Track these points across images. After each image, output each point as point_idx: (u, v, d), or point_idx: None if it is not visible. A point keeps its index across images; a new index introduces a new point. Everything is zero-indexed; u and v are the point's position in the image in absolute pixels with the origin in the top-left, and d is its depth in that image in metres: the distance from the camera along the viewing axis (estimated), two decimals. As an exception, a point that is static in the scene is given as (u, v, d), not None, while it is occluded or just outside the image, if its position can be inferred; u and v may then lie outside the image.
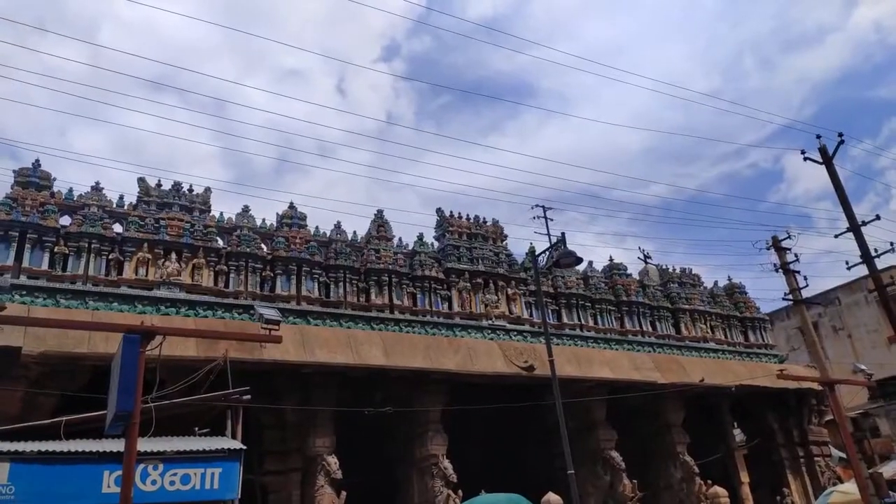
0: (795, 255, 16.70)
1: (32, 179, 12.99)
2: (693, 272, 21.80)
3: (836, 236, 15.18)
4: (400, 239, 16.75)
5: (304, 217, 15.54)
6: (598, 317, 18.55)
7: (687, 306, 20.31)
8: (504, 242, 18.12)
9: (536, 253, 14.54)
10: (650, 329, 19.27)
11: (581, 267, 18.49)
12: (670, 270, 21.48)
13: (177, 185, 14.36)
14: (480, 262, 17.05)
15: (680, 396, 17.20)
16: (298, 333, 12.73)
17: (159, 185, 14.20)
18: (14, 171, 13.06)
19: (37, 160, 13.27)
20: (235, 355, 10.97)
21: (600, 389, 16.08)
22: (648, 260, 21.81)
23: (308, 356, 12.39)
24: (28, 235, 12.22)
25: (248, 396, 9.82)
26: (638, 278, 20.63)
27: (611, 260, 20.49)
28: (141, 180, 14.04)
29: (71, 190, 13.46)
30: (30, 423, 9.22)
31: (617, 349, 17.86)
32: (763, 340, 21.46)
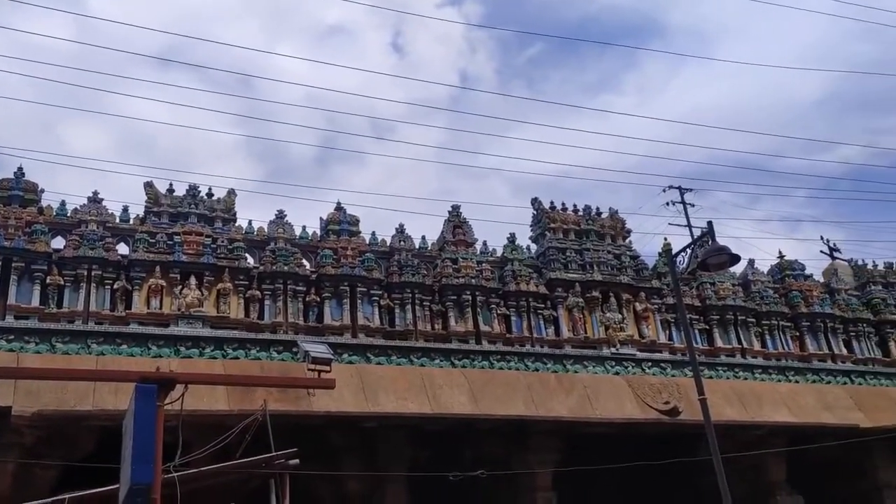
0: None
1: (15, 193, 13.82)
2: (904, 267, 20.84)
3: None
4: (485, 243, 16.77)
5: (356, 221, 15.82)
6: (767, 337, 17.95)
7: (898, 316, 19.32)
8: (627, 240, 17.81)
9: (674, 252, 14.17)
10: (844, 351, 18.52)
11: (738, 268, 17.96)
12: (869, 267, 20.67)
13: (193, 190, 14.92)
14: (596, 268, 16.81)
15: (895, 445, 16.34)
16: (356, 375, 12.90)
17: (171, 190, 14.80)
18: (-9, 184, 13.81)
19: (20, 168, 14.14)
20: (277, 407, 11.16)
21: (777, 439, 15.50)
22: (837, 254, 21.01)
23: (370, 405, 12.52)
24: (13, 264, 12.98)
25: (297, 460, 9.97)
26: (823, 280, 19.86)
27: (781, 256, 19.85)
28: (149, 185, 14.67)
29: (63, 204, 14.26)
30: None
31: (797, 381, 17.23)
32: None
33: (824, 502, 16.51)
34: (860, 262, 20.81)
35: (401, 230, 16.22)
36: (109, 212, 14.33)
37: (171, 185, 14.86)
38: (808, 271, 19.73)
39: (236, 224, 14.97)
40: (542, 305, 16.10)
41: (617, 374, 15.58)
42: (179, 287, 13.62)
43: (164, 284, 13.57)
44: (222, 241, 14.31)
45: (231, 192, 15.21)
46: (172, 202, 14.60)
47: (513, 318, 15.78)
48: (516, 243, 16.98)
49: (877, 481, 16.63)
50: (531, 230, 17.64)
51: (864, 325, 19.08)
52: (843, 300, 19.25)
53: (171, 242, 13.94)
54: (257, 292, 14.18)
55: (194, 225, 14.34)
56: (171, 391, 6.67)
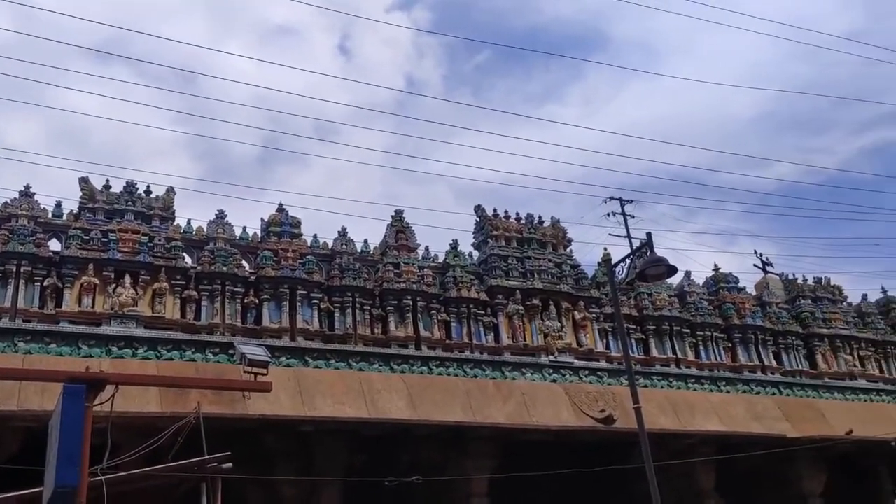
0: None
1: (-58, 185, 13.40)
2: (832, 283, 21.43)
3: None
4: (427, 249, 16.80)
5: (297, 223, 15.73)
6: (701, 347, 18.29)
7: (825, 330, 19.90)
8: (568, 249, 18.01)
9: (613, 262, 14.40)
10: (773, 363, 18.95)
11: (675, 280, 18.28)
12: (800, 282, 21.16)
13: (130, 186, 14.67)
14: (537, 276, 16.97)
15: (819, 456, 16.81)
16: (294, 379, 12.80)
17: (108, 186, 14.53)
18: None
19: (-54, 160, 13.72)
20: (211, 409, 11.02)
21: (707, 448, 15.82)
22: (769, 268, 21.52)
23: (307, 409, 12.44)
24: (-61, 258, 12.58)
25: (230, 464, 9.84)
26: (755, 293, 20.30)
27: (716, 269, 20.24)
28: (84, 181, 14.38)
29: (-8, 197, 13.87)
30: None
31: (728, 391, 17.57)
32: (935, 375, 20.87)
33: (752, 510, 16.90)
34: (791, 277, 21.29)
35: (343, 233, 16.17)
36: (41, 206, 14.06)
37: (107, 181, 14.62)
38: (741, 284, 20.11)
39: (175, 223, 14.78)
40: (483, 312, 16.19)
41: (554, 381, 15.72)
42: (113, 286, 13.38)
43: (98, 283, 13.33)
44: (159, 240, 14.10)
45: (170, 190, 15.02)
46: (108, 199, 14.34)
47: (453, 325, 15.83)
48: (459, 250, 17.06)
49: (801, 490, 17.05)
50: (474, 237, 17.73)
51: (793, 337, 19.53)
52: (773, 313, 19.69)
53: (105, 240, 13.68)
54: (194, 293, 14.00)
55: (131, 223, 14.11)
56: (101, 392, 6.52)
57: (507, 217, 17.76)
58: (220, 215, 15.27)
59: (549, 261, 17.42)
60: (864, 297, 21.87)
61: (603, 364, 16.72)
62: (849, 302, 21.35)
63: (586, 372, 16.35)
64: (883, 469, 18.94)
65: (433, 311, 15.71)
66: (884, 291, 22.28)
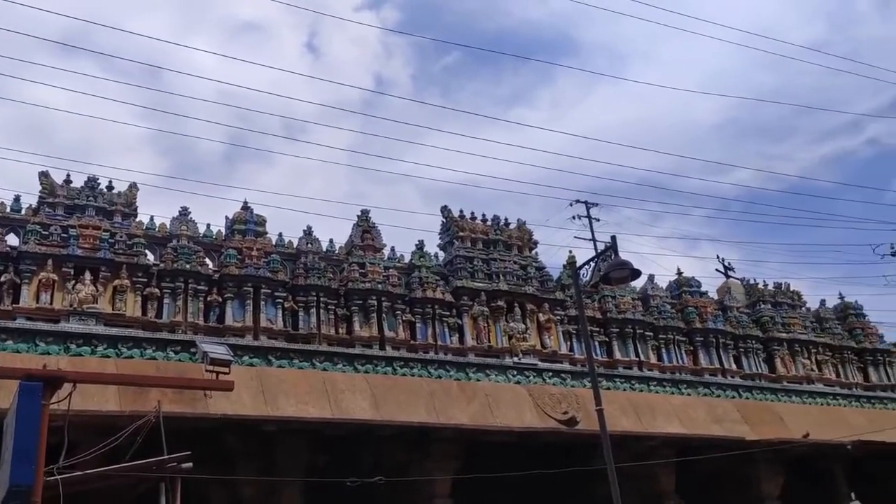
0: (931, 263, 16.55)
1: None
2: (792, 288, 21.80)
3: None
4: (393, 249, 16.78)
5: (262, 221, 15.62)
6: (663, 350, 18.50)
7: (784, 335, 20.23)
8: (534, 252, 18.10)
9: (578, 265, 14.49)
10: (734, 366, 19.22)
11: (639, 283, 18.43)
12: (760, 286, 21.48)
13: (92, 182, 14.48)
14: (502, 278, 17.03)
15: (777, 458, 17.05)
16: (256, 378, 12.72)
17: (69, 181, 14.32)
18: None
19: None
20: (172, 409, 10.90)
21: (668, 450, 15.97)
22: (731, 273, 21.76)
23: (269, 409, 12.36)
24: None
25: (190, 464, 9.77)
26: (717, 298, 20.56)
27: (679, 273, 20.48)
28: (44, 175, 14.17)
29: (-51, 190, 13.61)
30: None
31: (689, 394, 17.77)
32: (890, 380, 21.34)
33: (711, 511, 17.09)
34: (752, 282, 21.60)
35: (308, 232, 16.09)
36: (0, 201, 13.80)
37: (68, 175, 14.41)
38: (703, 288, 20.36)
39: (137, 219, 14.61)
40: (448, 313, 16.21)
41: (518, 383, 15.79)
42: (73, 282, 13.19)
43: (56, 279, 13.12)
44: (121, 236, 13.92)
45: (133, 186, 14.84)
46: (69, 194, 14.13)
47: (418, 325, 15.83)
48: (424, 250, 17.06)
49: (760, 493, 17.25)
50: (440, 238, 17.75)
51: (753, 341, 19.82)
52: (734, 317, 19.95)
53: (65, 235, 13.48)
54: (156, 290, 13.85)
55: (92, 218, 13.93)
56: (59, 390, 6.44)
57: (474, 218, 17.82)
58: (184, 212, 15.11)
59: (515, 263, 17.50)
60: (823, 302, 22.29)
61: (566, 366, 16.82)
62: (807, 307, 21.71)
63: (550, 374, 16.44)
64: (839, 472, 19.23)
65: (398, 312, 15.70)
66: (841, 297, 22.71)
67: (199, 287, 14.17)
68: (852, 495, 20.08)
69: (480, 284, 16.74)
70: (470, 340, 16.14)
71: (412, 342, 15.60)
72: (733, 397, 18.33)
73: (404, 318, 15.72)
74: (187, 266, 14.17)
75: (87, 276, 13.30)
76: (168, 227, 14.85)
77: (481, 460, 14.17)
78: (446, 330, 16.06)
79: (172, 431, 10.38)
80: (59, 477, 7.62)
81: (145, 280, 13.85)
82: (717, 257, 22.58)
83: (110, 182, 14.68)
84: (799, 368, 20.02)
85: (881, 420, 18.53)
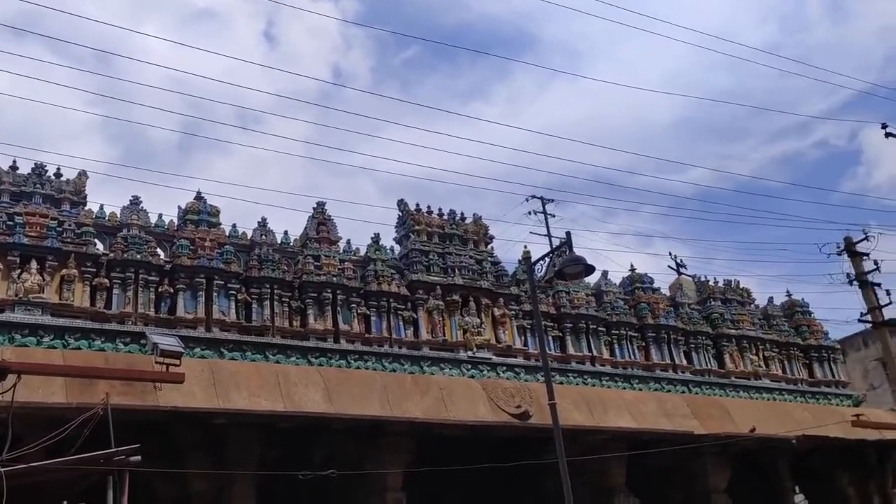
0: (876, 263, 17.06)
1: None
2: (741, 286, 22.22)
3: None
4: (349, 242, 16.71)
5: (216, 212, 15.44)
6: (616, 346, 18.73)
7: (733, 331, 20.63)
8: (489, 246, 18.18)
9: (533, 260, 14.60)
10: (684, 362, 19.54)
11: (592, 279, 18.66)
12: (711, 283, 21.82)
13: (39, 168, 14.18)
14: (457, 272, 17.08)
15: (724, 452, 17.39)
16: (208, 370, 12.58)
17: (14, 167, 14.00)
18: None
19: None
20: (120, 401, 10.78)
21: (619, 444, 16.17)
22: (682, 270, 22.13)
23: (221, 401, 12.23)
24: None
25: (138, 457, 9.66)
26: (669, 294, 20.88)
27: (632, 269, 20.72)
28: (-11, 161, 13.83)
29: None
30: None
31: (641, 389, 18.02)
32: (833, 376, 21.90)
33: (660, 504, 17.38)
34: (703, 279, 21.93)
35: (263, 224, 15.94)
36: (-58, 187, 13.44)
37: (14, 161, 14.06)
38: (656, 285, 20.61)
39: (86, 208, 14.33)
40: (403, 307, 16.21)
41: (472, 377, 15.86)
42: (18, 271, 12.89)
43: (1, 267, 12.83)
44: (69, 225, 13.66)
45: (82, 174, 14.56)
46: (15, 180, 13.81)
47: (373, 318, 15.81)
48: (380, 243, 17.02)
49: (707, 486, 17.59)
50: (396, 231, 17.72)
51: (704, 337, 20.15)
52: (685, 314, 20.26)
53: (11, 223, 13.17)
54: (106, 280, 13.62)
55: (39, 206, 13.62)
56: (3, 381, 6.29)
57: (430, 212, 17.84)
58: (135, 201, 14.85)
59: (470, 257, 17.56)
60: (770, 299, 22.73)
61: (520, 360, 16.94)
62: (756, 304, 22.14)
63: (504, 368, 16.55)
64: (783, 466, 19.72)
65: (353, 305, 15.65)
66: (788, 295, 23.19)
67: (150, 277, 13.97)
68: (796, 489, 20.63)
69: (436, 278, 16.78)
70: (425, 334, 16.17)
71: (367, 335, 15.58)
72: (683, 392, 18.59)
73: (359, 312, 15.68)
74: (138, 256, 13.95)
75: (34, 265, 13.03)
76: (118, 216, 14.58)
77: (435, 453, 14.22)
78: (401, 323, 16.05)
79: (121, 424, 10.28)
80: (2, 470, 7.50)
81: (94, 270, 13.60)
82: (670, 254, 22.89)
83: (58, 169, 14.39)
84: (747, 364, 20.42)
85: (825, 415, 18.98)
